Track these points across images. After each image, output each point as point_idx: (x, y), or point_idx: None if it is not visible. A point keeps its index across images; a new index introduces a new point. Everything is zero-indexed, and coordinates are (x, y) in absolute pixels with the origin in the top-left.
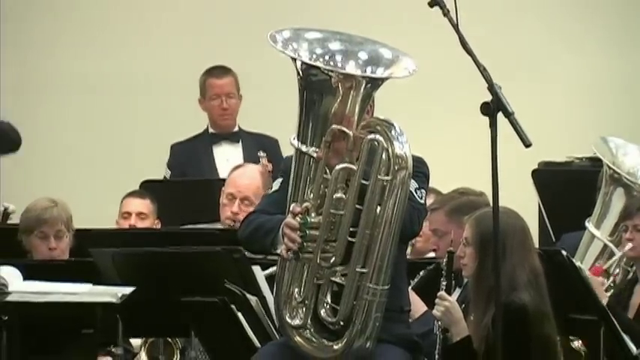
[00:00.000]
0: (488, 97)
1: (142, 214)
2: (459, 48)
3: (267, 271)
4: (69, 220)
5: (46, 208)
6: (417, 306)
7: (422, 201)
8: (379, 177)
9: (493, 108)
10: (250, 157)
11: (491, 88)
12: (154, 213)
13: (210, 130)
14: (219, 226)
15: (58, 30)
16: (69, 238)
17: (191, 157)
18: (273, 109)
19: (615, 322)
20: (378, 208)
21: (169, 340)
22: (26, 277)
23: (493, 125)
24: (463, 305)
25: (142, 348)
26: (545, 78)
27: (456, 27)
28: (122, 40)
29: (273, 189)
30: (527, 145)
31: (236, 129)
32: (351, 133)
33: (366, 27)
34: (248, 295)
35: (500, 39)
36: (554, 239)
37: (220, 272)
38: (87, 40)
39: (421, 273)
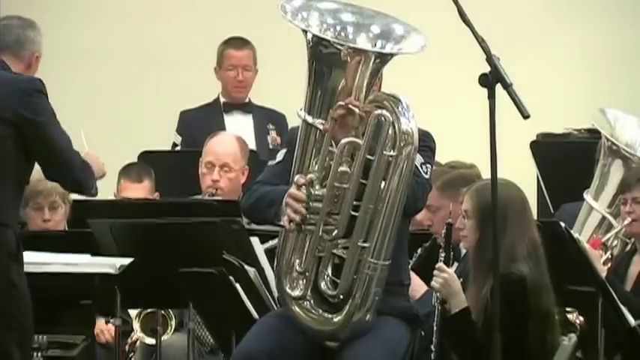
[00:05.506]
0: (487, 69)
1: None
2: (458, 19)
3: (266, 245)
4: (64, 191)
5: (41, 180)
6: (418, 286)
7: (427, 176)
8: (385, 152)
9: (491, 79)
10: (260, 129)
11: (490, 59)
12: (152, 190)
13: (222, 100)
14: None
15: None
16: (65, 210)
17: (202, 125)
18: (281, 84)
19: (613, 294)
20: (383, 183)
21: (163, 312)
22: (25, 248)
23: (491, 97)
24: (461, 279)
25: (137, 319)
26: (544, 49)
27: None
28: (130, 9)
29: (277, 160)
30: (526, 116)
31: (247, 100)
32: (357, 109)
33: None
34: (246, 267)
35: (498, 10)
36: (552, 211)
37: (219, 243)
38: (93, 8)
39: (419, 251)
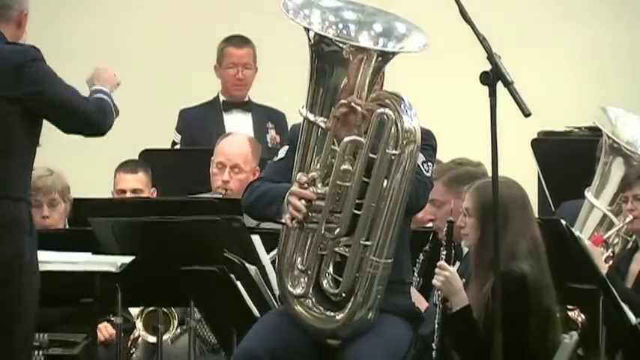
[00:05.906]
0: (488, 67)
1: (137, 190)
2: (459, 17)
3: (272, 254)
4: (64, 189)
5: (41, 177)
6: (420, 303)
7: (428, 174)
8: (387, 150)
9: (492, 77)
10: (259, 127)
11: (491, 57)
12: (148, 184)
13: (222, 98)
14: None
15: None
16: (65, 208)
17: (201, 124)
18: (280, 82)
19: (614, 292)
20: (385, 181)
21: (165, 310)
22: None
23: (492, 95)
24: (464, 279)
25: (139, 318)
26: (545, 47)
27: None
28: (130, 7)
29: (279, 157)
30: (527, 114)
31: (246, 99)
32: (359, 107)
33: None
34: (247, 265)
35: (500, 8)
36: (553, 209)
37: (220, 241)
38: (95, 7)
39: (420, 257)
